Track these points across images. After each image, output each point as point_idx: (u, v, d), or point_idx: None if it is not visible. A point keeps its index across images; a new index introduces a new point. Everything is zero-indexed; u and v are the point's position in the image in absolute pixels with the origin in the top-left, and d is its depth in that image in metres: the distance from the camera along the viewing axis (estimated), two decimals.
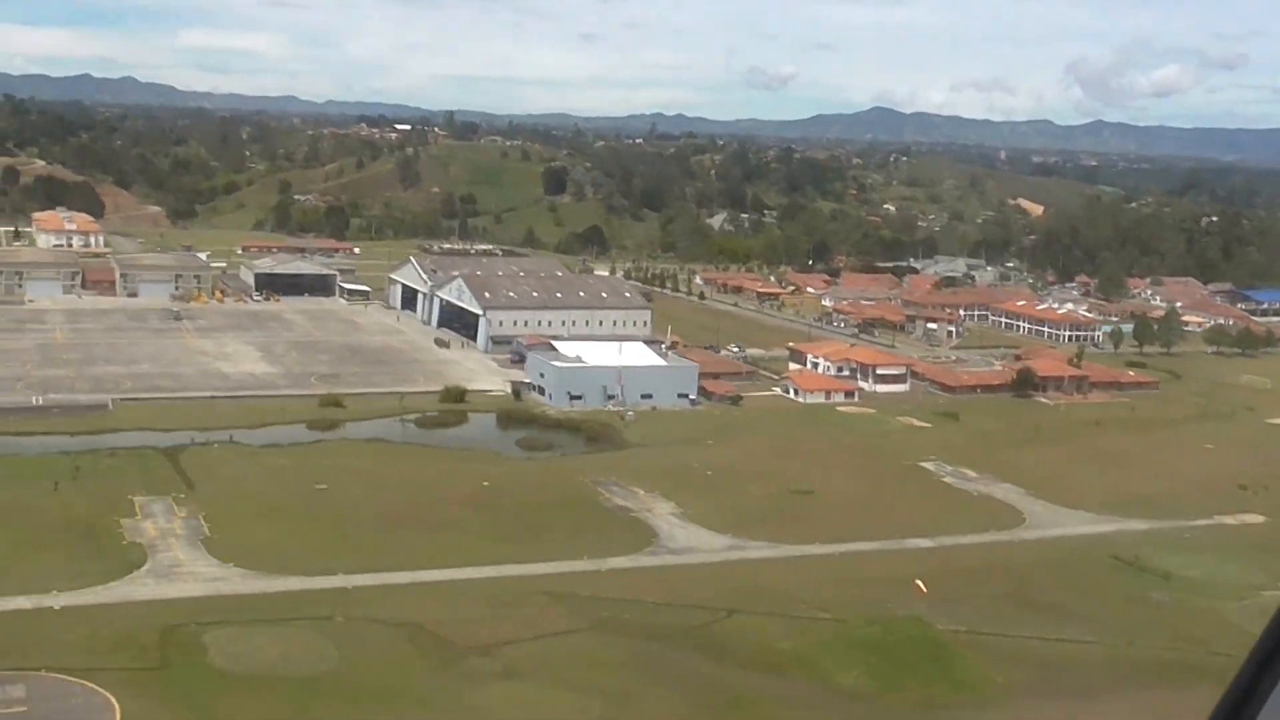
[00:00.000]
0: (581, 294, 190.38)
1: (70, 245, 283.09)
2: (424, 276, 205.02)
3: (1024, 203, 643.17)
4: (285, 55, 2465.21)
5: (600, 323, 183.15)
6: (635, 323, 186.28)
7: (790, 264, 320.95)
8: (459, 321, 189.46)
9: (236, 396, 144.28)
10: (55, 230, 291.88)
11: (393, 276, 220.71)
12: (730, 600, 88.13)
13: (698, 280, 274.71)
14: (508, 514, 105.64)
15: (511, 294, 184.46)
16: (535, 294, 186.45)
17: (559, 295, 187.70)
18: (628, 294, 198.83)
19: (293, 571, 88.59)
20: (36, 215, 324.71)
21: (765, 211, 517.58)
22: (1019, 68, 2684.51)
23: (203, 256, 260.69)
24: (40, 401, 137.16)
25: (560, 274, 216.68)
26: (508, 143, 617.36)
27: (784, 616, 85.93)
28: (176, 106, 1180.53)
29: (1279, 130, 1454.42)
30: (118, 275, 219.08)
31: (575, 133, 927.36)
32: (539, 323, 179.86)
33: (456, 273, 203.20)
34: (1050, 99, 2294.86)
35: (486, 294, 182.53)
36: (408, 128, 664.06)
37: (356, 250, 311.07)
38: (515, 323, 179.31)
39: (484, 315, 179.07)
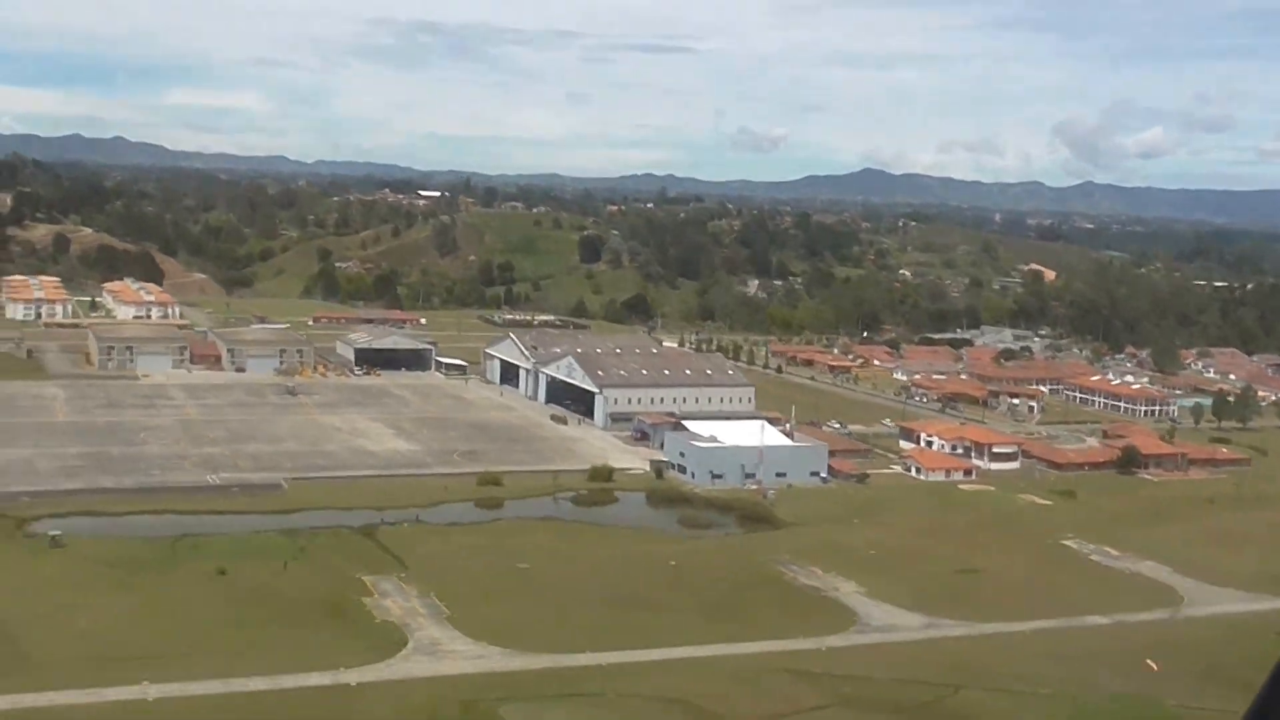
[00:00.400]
0: (688, 372, 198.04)
1: (149, 316, 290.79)
2: (525, 353, 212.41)
3: (1037, 267, 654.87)
4: (273, 114, 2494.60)
5: (709, 400, 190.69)
6: (740, 399, 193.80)
7: (845, 335, 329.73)
8: (569, 397, 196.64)
9: (396, 475, 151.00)
10: (134, 302, 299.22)
11: (489, 351, 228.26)
12: (951, 676, 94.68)
13: (765, 352, 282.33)
14: (706, 593, 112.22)
15: (623, 372, 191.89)
16: (645, 372, 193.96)
17: (667, 373, 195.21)
18: (730, 371, 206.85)
19: (543, 649, 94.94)
20: (108, 286, 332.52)
21: (790, 278, 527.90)
22: (1006, 129, 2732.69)
23: (282, 328, 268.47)
24: (216, 480, 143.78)
25: (655, 350, 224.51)
26: (534, 209, 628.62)
27: (1008, 692, 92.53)
28: (170, 166, 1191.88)
29: (1266, 192, 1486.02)
30: (224, 350, 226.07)
31: (584, 195, 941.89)
32: (652, 400, 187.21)
33: (558, 349, 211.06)
34: (1038, 160, 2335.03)
35: (599, 372, 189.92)
36: (436, 194, 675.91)
37: (423, 321, 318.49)
38: (630, 400, 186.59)
39: (600, 393, 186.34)
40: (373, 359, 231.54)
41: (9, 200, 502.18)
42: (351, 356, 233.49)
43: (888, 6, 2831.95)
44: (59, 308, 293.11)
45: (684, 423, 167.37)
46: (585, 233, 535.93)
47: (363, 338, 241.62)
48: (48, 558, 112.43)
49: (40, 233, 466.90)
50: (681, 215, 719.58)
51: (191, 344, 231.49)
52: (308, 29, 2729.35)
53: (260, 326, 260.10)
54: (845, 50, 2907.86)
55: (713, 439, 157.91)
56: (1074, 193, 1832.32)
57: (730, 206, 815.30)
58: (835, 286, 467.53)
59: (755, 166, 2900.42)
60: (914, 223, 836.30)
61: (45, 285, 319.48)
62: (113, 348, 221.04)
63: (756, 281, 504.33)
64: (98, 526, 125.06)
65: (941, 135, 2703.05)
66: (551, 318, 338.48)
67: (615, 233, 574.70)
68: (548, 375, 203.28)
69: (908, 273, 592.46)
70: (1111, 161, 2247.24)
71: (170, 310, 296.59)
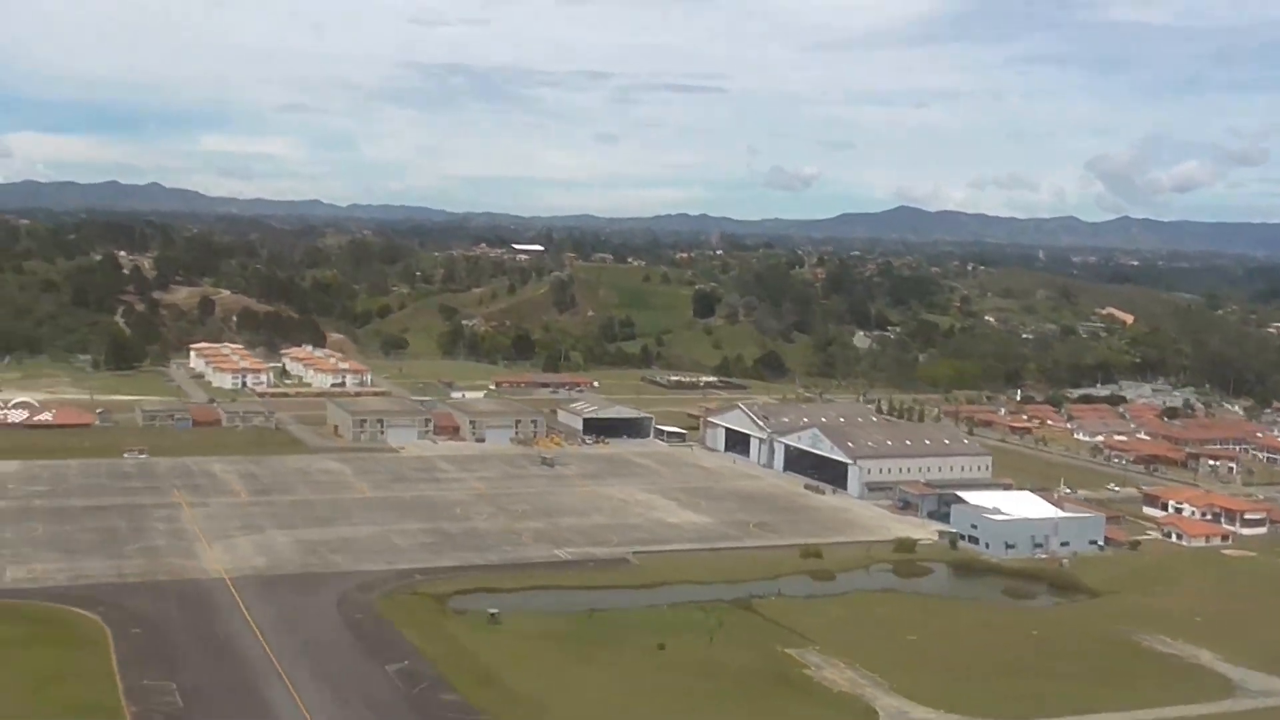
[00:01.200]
0: (927, 441, 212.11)
1: (344, 384, 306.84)
2: (758, 423, 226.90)
3: (1115, 312, 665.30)
4: (305, 159, 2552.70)
5: (950, 468, 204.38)
6: (978, 468, 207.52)
7: (998, 393, 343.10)
8: (810, 466, 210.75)
9: (717, 548, 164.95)
10: (329, 370, 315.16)
11: (712, 420, 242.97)
12: None
13: (936, 412, 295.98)
14: (1080, 660, 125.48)
15: (870, 443, 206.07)
16: (889, 442, 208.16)
17: (908, 443, 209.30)
18: (965, 440, 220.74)
19: (992, 715, 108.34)
20: (290, 353, 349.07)
21: (890, 327, 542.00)
22: (1039, 164, 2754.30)
23: (477, 395, 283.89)
24: (566, 556, 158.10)
25: (875, 419, 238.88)
26: (633, 263, 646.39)
27: None
28: (208, 212, 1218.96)
29: None
30: (466, 422, 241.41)
31: (651, 242, 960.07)
32: (901, 470, 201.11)
33: (786, 418, 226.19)
34: (1072, 195, 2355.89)
35: (850, 444, 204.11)
36: (538, 249, 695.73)
37: (595, 384, 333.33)
38: (881, 470, 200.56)
39: (854, 464, 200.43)
40: (599, 428, 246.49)
41: (147, 264, 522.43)
42: (578, 425, 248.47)
43: (916, 44, 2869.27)
44: (263, 377, 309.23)
45: (959, 494, 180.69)
46: (696, 287, 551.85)
47: (588, 407, 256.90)
48: (492, 633, 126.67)
49: (183, 295, 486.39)
50: (753, 261, 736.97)
51: (435, 416, 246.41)
52: (338, 73, 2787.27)
53: (477, 397, 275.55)
54: (875, 88, 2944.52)
55: (996, 510, 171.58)
56: (1110, 227, 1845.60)
57: (800, 253, 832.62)
58: (953, 339, 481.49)
59: (789, 205, 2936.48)
60: (983, 267, 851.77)
61: (239, 353, 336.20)
62: (365, 421, 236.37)
63: (863, 333, 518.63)
64: (498, 602, 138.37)
65: (975, 171, 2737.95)
66: (714, 379, 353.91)
67: (714, 284, 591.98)
68: (785, 444, 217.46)
69: (992, 319, 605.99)
70: (1146, 196, 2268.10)
71: (364, 378, 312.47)
